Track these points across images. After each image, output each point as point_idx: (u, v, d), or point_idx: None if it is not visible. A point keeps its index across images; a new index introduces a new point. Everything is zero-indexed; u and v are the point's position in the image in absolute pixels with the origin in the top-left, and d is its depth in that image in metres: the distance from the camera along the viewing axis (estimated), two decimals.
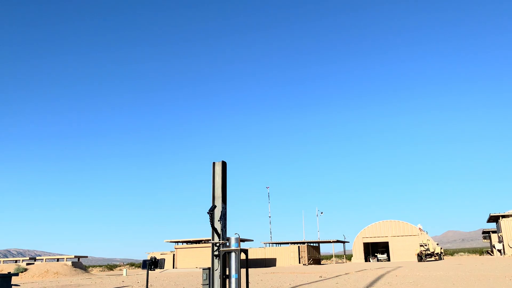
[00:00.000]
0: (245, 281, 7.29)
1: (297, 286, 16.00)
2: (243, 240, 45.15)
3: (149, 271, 13.29)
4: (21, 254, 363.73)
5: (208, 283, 10.67)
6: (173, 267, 46.06)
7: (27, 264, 40.86)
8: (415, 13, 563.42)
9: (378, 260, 55.98)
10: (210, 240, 7.74)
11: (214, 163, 8.10)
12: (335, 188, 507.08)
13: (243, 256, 7.21)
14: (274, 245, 55.17)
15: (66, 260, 44.16)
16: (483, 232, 68.02)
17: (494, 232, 59.64)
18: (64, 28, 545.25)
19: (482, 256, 61.91)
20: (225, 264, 7.07)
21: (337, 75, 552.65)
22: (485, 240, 70.86)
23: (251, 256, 49.55)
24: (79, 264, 43.95)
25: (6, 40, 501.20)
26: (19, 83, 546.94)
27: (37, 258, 47.32)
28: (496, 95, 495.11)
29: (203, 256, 42.97)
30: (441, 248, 48.84)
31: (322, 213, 62.28)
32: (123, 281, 25.44)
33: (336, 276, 21.12)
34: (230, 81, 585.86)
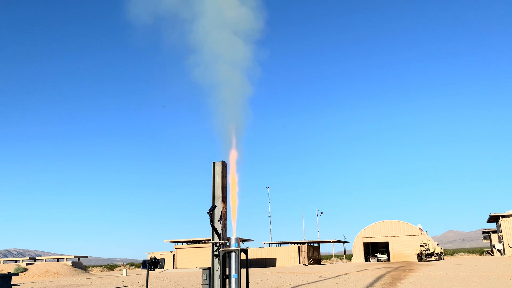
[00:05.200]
0: (245, 281, 7.28)
1: (297, 286, 15.99)
2: (243, 240, 45.14)
3: (149, 271, 13.27)
4: (21, 254, 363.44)
5: (208, 283, 10.67)
6: (173, 267, 46.04)
7: (27, 264, 40.81)
8: (415, 14, 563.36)
9: (378, 260, 55.94)
10: (210, 240, 7.74)
11: (214, 163, 8.08)
12: (335, 188, 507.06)
13: (243, 256, 7.21)
14: (274, 245, 55.14)
15: (66, 260, 44.12)
16: (483, 232, 67.97)
17: (494, 232, 59.59)
18: (65, 28, 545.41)
19: (482, 256, 61.88)
20: (225, 264, 7.06)
21: (336, 76, 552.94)
22: (485, 240, 70.78)
23: (251, 256, 49.52)
24: (79, 264, 43.92)
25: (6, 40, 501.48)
26: (19, 83, 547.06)
27: (37, 258, 47.27)
28: (496, 95, 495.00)
29: (203, 256, 42.94)
30: (441, 248, 48.80)
31: (322, 213, 62.30)
32: (123, 281, 25.43)
33: (336, 276, 21.11)
34: None
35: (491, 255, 58.37)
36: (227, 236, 7.57)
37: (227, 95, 8.03)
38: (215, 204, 7.75)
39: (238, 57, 8.14)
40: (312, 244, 54.04)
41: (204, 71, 8.29)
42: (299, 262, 48.51)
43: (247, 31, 8.22)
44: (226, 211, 7.77)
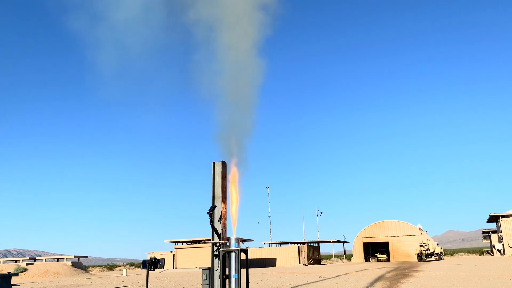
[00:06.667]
0: (245, 281, 7.27)
1: (297, 286, 16.00)
2: (243, 240, 45.12)
3: (149, 271, 13.28)
4: (21, 254, 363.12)
5: (208, 283, 10.66)
6: (173, 267, 46.05)
7: (27, 264, 40.80)
8: (417, 18, 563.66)
9: (378, 260, 55.93)
10: (210, 240, 7.73)
11: (214, 163, 8.08)
12: (335, 188, 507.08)
13: (243, 256, 7.21)
14: (274, 245, 55.14)
15: (66, 260, 44.11)
16: (483, 232, 67.97)
17: (494, 232, 59.58)
18: (66, 26, 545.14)
19: (482, 256, 61.89)
20: (225, 264, 7.06)
21: (337, 78, 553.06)
22: (485, 240, 70.78)
23: (251, 256, 49.53)
24: (79, 264, 43.91)
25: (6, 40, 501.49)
26: (20, 83, 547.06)
27: (37, 258, 47.26)
28: (495, 96, 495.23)
29: (203, 256, 42.94)
30: (441, 248, 48.82)
31: (322, 213, 62.34)
32: (123, 281, 25.43)
33: (336, 276, 21.11)
34: None
35: (491, 255, 58.37)
36: (227, 236, 7.57)
37: (228, 95, 8.02)
38: (215, 204, 7.74)
39: (241, 58, 8.13)
40: (312, 244, 54.03)
41: (205, 71, 8.29)
42: (299, 262, 48.51)
43: (250, 33, 8.22)
44: (226, 211, 7.76)
